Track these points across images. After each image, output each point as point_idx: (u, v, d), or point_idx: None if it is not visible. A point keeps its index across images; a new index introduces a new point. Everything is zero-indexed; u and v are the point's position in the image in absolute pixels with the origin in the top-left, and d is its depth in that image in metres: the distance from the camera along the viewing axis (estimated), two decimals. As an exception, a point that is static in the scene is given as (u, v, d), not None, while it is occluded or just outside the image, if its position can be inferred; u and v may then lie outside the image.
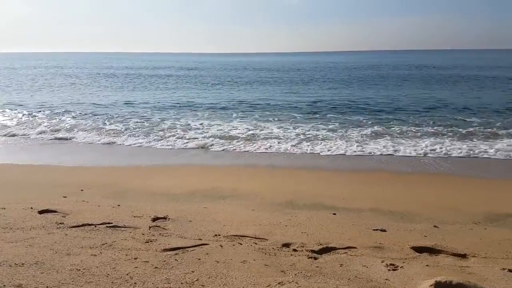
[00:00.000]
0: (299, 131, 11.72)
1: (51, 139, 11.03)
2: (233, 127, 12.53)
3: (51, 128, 12.24)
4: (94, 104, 18.25)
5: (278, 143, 10.12)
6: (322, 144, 9.95)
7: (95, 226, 3.89)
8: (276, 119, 14.10)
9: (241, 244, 3.53)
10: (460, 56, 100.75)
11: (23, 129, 12.10)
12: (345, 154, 9.13)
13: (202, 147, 9.91)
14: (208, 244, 3.47)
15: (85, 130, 11.98)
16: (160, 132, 11.62)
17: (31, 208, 4.45)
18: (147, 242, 3.46)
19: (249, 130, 11.90)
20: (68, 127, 12.43)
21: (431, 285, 2.51)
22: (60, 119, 14.04)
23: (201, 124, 13.14)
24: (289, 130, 11.88)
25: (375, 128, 12.09)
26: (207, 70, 49.41)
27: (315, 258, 3.21)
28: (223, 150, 9.71)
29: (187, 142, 10.31)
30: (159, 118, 14.25)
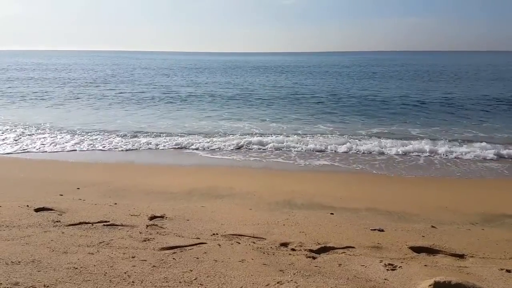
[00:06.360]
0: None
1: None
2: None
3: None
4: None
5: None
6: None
7: (92, 225, 3.86)
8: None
9: (239, 243, 3.51)
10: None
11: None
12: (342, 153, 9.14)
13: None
14: (206, 243, 3.45)
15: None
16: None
17: (27, 206, 4.41)
18: (145, 240, 3.44)
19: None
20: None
21: (430, 285, 2.51)
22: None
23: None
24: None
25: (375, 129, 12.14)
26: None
27: (314, 258, 3.20)
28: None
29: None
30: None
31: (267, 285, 2.61)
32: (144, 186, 6.41)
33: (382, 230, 4.09)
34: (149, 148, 9.73)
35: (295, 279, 2.72)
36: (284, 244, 3.53)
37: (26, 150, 9.28)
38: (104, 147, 9.75)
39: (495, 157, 8.65)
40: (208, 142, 10.08)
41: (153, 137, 10.78)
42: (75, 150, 9.44)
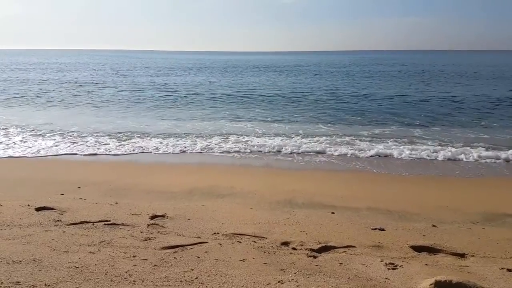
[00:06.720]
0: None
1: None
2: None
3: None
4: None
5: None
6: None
7: (93, 224, 3.86)
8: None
9: (240, 242, 3.52)
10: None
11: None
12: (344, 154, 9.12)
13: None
14: (207, 242, 3.46)
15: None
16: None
17: (28, 205, 4.42)
18: (146, 240, 3.44)
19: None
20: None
21: (431, 284, 2.51)
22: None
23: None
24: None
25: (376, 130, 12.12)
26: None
27: (315, 257, 3.20)
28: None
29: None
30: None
31: (268, 284, 2.61)
32: (144, 185, 6.41)
33: (383, 229, 4.09)
34: (149, 148, 9.71)
35: (296, 278, 2.72)
36: (285, 243, 3.53)
37: (26, 150, 9.27)
38: (103, 147, 9.73)
39: (496, 156, 8.64)
40: (209, 143, 10.08)
41: (153, 137, 10.78)
42: (75, 151, 9.43)
